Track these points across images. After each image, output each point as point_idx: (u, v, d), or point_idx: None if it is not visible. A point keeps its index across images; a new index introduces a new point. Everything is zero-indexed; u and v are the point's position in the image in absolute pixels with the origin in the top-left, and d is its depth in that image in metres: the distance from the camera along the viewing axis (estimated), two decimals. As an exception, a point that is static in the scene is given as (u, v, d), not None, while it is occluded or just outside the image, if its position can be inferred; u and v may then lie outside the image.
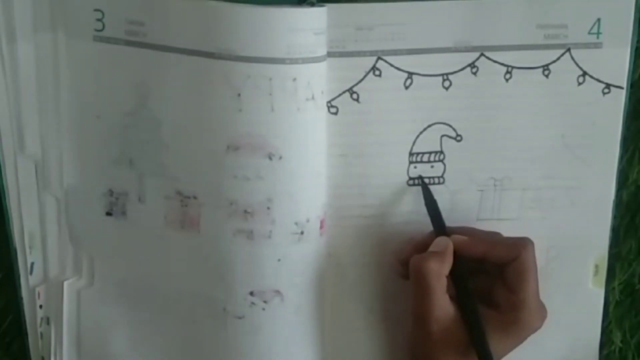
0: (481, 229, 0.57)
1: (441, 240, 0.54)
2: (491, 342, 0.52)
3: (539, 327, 0.53)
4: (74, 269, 0.59)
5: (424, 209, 0.57)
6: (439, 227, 0.56)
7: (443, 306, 0.52)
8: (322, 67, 0.53)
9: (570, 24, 0.55)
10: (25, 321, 0.60)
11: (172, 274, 0.57)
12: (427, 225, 0.57)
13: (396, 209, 0.58)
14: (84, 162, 0.57)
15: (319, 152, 0.55)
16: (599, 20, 0.55)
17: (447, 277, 0.53)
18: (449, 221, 0.57)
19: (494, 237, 0.56)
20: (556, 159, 0.58)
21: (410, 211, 0.58)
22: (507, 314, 0.53)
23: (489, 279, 0.54)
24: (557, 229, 0.59)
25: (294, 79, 0.52)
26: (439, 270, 0.52)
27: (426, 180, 0.57)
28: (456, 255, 0.54)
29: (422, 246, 0.55)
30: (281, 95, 0.52)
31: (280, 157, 0.53)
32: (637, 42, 0.56)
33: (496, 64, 0.56)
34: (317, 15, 0.52)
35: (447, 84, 0.56)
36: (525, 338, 0.53)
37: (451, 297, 0.53)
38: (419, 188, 0.57)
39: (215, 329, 0.57)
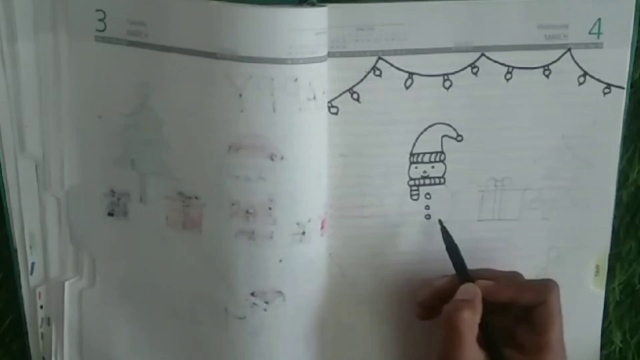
0: (501, 270, 0.56)
1: (469, 288, 0.54)
2: None
3: None
4: (75, 270, 0.59)
5: (423, 211, 0.58)
6: (463, 272, 0.55)
7: (473, 354, 0.52)
8: (323, 67, 0.53)
9: (571, 24, 0.55)
10: (25, 321, 0.60)
11: (173, 275, 0.57)
12: (427, 226, 0.57)
13: (397, 209, 0.58)
14: (85, 163, 0.57)
15: (320, 152, 0.55)
16: (599, 20, 0.55)
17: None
18: (450, 222, 0.57)
19: (517, 280, 0.55)
20: (557, 159, 0.58)
21: (410, 213, 0.58)
22: (531, 356, 0.53)
23: (513, 320, 0.54)
24: (558, 230, 0.59)
25: (296, 79, 0.52)
26: (472, 320, 0.52)
27: (427, 181, 0.57)
28: (482, 300, 0.53)
29: (443, 291, 0.55)
30: (283, 96, 0.52)
31: (282, 158, 0.53)
32: (638, 42, 0.56)
33: (497, 64, 0.56)
34: (318, 15, 0.52)
35: (447, 84, 0.56)
36: None
37: (479, 342, 0.52)
38: (418, 188, 0.57)
39: (217, 330, 0.57)
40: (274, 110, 0.52)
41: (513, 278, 0.56)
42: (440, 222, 0.57)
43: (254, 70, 0.51)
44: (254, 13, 0.51)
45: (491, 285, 0.54)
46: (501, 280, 0.55)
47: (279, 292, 0.56)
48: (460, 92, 0.56)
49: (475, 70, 0.56)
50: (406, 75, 0.55)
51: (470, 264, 0.56)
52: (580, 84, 0.56)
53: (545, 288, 0.53)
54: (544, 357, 0.52)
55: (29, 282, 0.59)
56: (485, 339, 0.53)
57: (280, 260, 0.55)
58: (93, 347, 0.60)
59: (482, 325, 0.53)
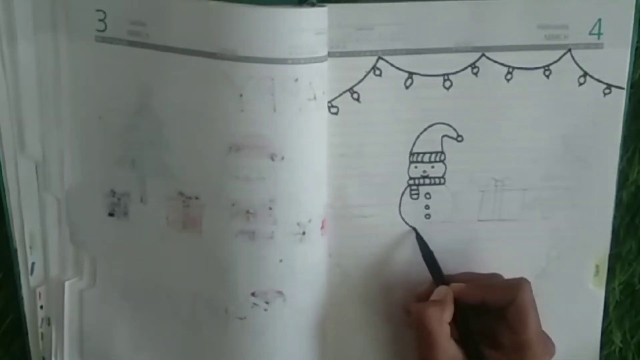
0: (481, 273, 0.57)
1: (441, 290, 0.55)
2: None
3: None
4: (75, 270, 0.59)
5: (423, 211, 0.58)
6: (438, 276, 0.56)
7: (447, 351, 0.52)
8: (323, 67, 0.53)
9: (571, 24, 0.55)
10: (25, 321, 0.60)
11: (173, 275, 0.57)
12: (427, 226, 0.58)
13: (397, 209, 0.58)
14: (86, 163, 0.57)
15: (320, 152, 0.55)
16: (599, 20, 0.55)
17: (450, 323, 0.53)
18: (450, 222, 0.57)
19: (491, 281, 0.56)
20: (557, 160, 0.58)
21: (410, 213, 0.58)
22: (511, 355, 0.53)
23: (493, 320, 0.55)
24: (558, 230, 0.59)
25: (296, 79, 0.52)
26: (439, 317, 0.53)
27: (427, 181, 0.57)
28: (457, 302, 0.54)
29: (424, 297, 0.56)
30: (283, 96, 0.52)
31: (283, 158, 0.53)
32: (638, 42, 0.56)
33: (497, 65, 0.56)
34: (318, 15, 0.52)
35: (447, 84, 0.56)
36: None
37: (457, 342, 0.53)
38: (417, 188, 0.57)
39: (217, 330, 0.57)
40: (274, 110, 0.52)
41: (487, 279, 0.56)
42: (415, 230, 0.58)
43: (254, 70, 0.51)
44: (254, 13, 0.51)
45: (462, 287, 0.55)
46: (474, 282, 0.55)
47: (279, 292, 0.56)
48: (461, 92, 0.56)
49: (475, 70, 0.56)
50: (406, 75, 0.55)
51: (470, 264, 0.57)
52: (580, 84, 0.56)
53: (513, 287, 0.54)
54: (524, 355, 0.53)
55: (29, 282, 0.59)
56: (464, 340, 0.54)
57: (281, 261, 0.55)
58: (93, 347, 0.60)
59: (462, 328, 0.54)
